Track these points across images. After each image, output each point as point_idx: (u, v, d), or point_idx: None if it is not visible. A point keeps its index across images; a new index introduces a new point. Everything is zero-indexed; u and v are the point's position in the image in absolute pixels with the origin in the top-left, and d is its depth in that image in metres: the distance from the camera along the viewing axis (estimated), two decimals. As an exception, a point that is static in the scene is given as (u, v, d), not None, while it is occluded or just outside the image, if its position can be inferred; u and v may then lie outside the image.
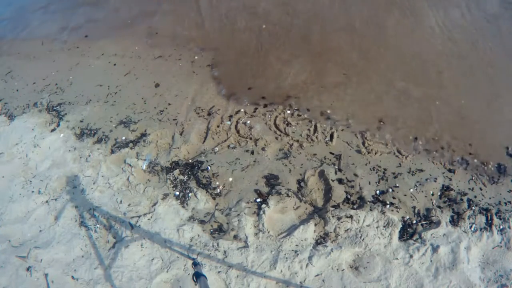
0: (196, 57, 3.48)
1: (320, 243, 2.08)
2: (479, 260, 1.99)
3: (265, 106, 2.92)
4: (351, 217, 2.14)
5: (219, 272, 2.01)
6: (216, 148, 2.64)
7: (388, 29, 3.31)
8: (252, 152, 2.59)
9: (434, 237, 2.06)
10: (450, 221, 2.13)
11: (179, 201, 2.37)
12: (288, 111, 2.83)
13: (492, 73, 2.86)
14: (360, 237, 2.07)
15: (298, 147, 2.58)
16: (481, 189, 2.30)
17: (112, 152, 2.74)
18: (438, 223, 2.12)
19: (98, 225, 2.32)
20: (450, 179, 2.35)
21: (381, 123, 2.66)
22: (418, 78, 2.90)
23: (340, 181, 2.36)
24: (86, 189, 2.52)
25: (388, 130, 2.63)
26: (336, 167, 2.44)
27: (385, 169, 2.42)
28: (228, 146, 2.65)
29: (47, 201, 2.50)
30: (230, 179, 2.45)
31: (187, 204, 2.35)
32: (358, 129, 2.66)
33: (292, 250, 2.05)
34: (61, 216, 2.38)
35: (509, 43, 3.04)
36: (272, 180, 2.41)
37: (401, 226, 2.12)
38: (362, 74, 3.01)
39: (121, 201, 2.41)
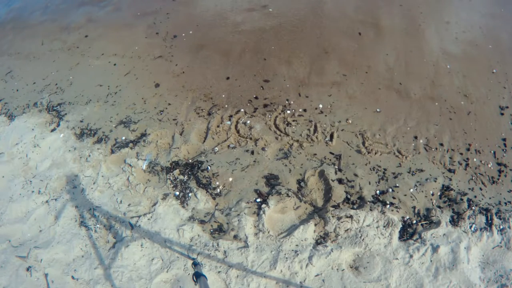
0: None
1: (320, 243, 2.08)
2: (479, 260, 1.99)
3: (265, 106, 2.92)
4: (351, 217, 2.14)
5: (219, 272, 2.01)
6: (216, 148, 2.64)
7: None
8: (252, 152, 2.59)
9: (434, 237, 2.05)
10: (450, 221, 2.13)
11: (179, 201, 2.37)
12: (288, 111, 2.83)
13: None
14: (360, 237, 2.07)
15: (298, 147, 2.58)
16: (481, 189, 2.30)
17: (112, 152, 2.73)
18: (438, 223, 2.12)
19: (98, 225, 2.32)
20: (450, 179, 2.35)
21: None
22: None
23: (340, 181, 2.36)
24: (86, 189, 2.51)
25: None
26: (336, 167, 2.44)
27: (385, 169, 2.42)
28: (228, 146, 2.65)
29: (47, 201, 2.50)
30: (230, 179, 2.45)
31: (187, 204, 2.35)
32: (358, 129, 2.66)
33: (292, 250, 2.05)
34: (61, 216, 2.38)
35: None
36: (272, 180, 2.41)
37: (401, 226, 2.12)
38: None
39: (121, 201, 2.41)
